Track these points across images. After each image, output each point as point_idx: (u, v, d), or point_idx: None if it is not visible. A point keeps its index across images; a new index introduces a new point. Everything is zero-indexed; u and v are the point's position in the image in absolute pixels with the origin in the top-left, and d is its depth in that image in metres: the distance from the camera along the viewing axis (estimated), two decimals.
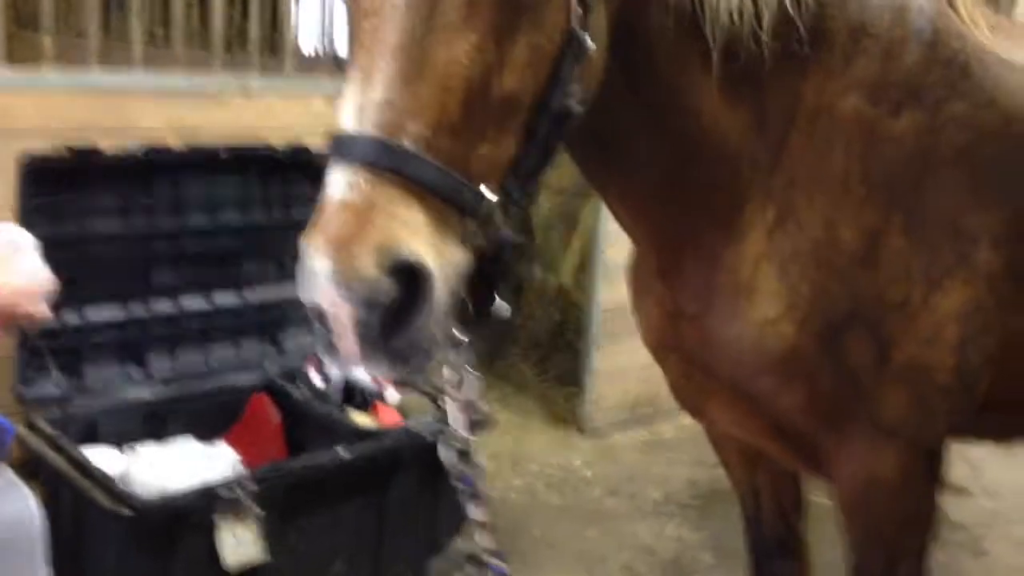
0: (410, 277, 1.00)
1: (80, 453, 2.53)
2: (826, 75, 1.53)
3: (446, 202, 1.02)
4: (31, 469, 2.56)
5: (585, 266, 5.09)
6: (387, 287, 0.99)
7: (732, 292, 1.58)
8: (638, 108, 1.44)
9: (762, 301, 1.56)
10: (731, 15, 1.39)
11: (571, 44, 1.10)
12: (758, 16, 1.41)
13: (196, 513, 2.36)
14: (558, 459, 4.03)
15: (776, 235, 1.55)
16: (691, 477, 3.95)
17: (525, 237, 1.13)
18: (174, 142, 3.02)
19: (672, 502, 3.75)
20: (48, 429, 2.64)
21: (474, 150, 1.04)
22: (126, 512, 2.33)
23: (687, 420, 4.34)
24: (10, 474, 2.40)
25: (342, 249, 0.97)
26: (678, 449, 4.20)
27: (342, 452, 2.58)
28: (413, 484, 2.70)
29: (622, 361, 4.28)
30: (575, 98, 1.13)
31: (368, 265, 0.98)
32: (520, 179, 1.10)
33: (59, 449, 2.60)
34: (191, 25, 4.11)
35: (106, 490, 2.38)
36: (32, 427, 2.67)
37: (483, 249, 1.07)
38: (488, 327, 1.12)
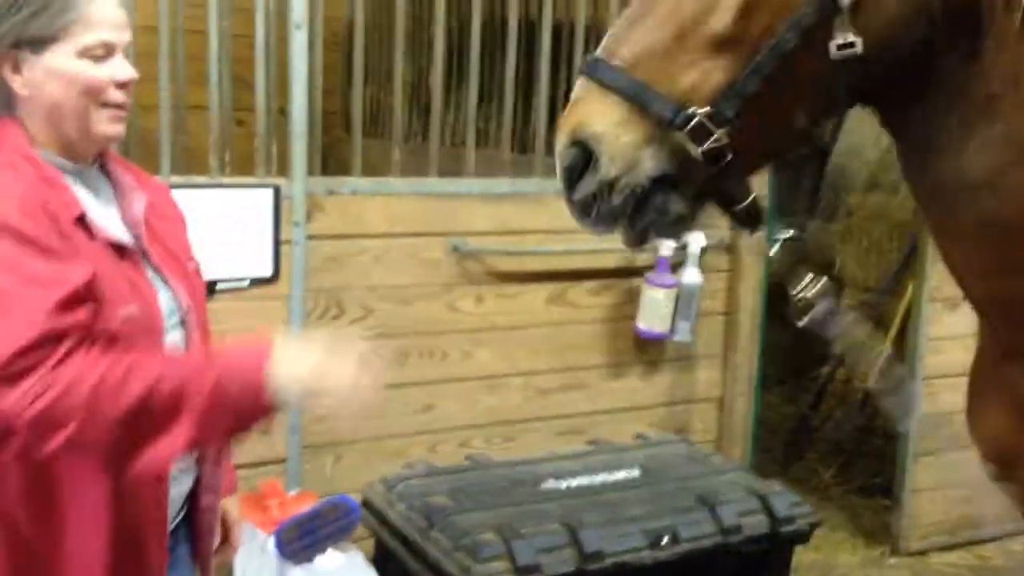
0: (584, 147, 1.31)
1: (408, 531, 2.68)
2: None
3: (635, 105, 1.27)
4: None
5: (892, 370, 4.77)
6: (566, 155, 1.33)
7: None
8: (983, 102, 1.32)
9: None
10: None
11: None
12: None
13: None
14: None
15: None
16: None
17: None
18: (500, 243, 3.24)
19: None
20: (381, 507, 2.84)
21: (676, 73, 1.27)
22: None
23: (1017, 545, 3.95)
24: (359, 557, 2.59)
25: (558, 133, 1.35)
26: None
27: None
28: None
29: (943, 476, 3.93)
30: (852, 43, 1.26)
31: (562, 142, 1.34)
32: (733, 100, 1.27)
33: (390, 528, 2.78)
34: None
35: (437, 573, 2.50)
36: (367, 504, 2.88)
37: (701, 159, 1.29)
38: (748, 225, 1.41)
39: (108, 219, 1.60)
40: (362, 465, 3.16)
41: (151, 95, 2.83)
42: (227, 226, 2.86)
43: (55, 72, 1.52)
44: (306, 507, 2.65)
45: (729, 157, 1.28)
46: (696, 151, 1.28)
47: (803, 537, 2.83)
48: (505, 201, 3.32)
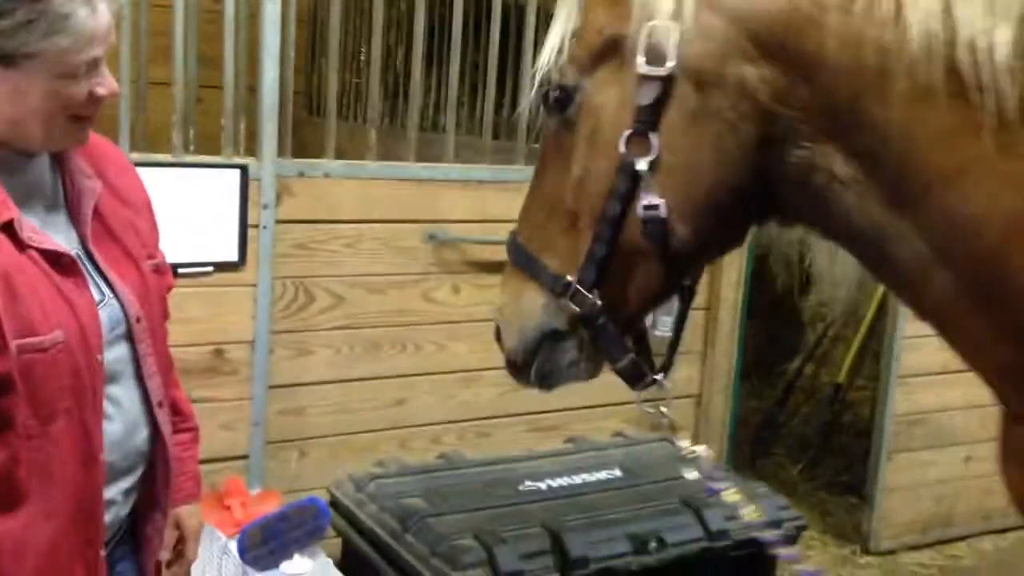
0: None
1: (380, 534, 2.55)
2: None
3: (530, 275, 1.45)
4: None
5: (861, 365, 4.74)
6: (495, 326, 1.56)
7: None
8: (908, 219, 1.22)
9: None
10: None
11: (623, 168, 1.32)
12: None
13: None
14: None
15: None
16: None
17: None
18: (479, 231, 3.11)
19: None
20: (350, 507, 2.69)
21: (554, 244, 1.43)
22: None
23: (988, 544, 3.96)
24: (329, 563, 2.45)
25: None
26: None
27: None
28: None
29: (914, 476, 3.91)
30: (655, 205, 1.32)
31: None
32: (591, 267, 1.39)
33: (360, 530, 2.64)
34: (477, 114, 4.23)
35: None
36: (335, 504, 2.73)
37: (578, 316, 1.42)
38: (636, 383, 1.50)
39: (49, 220, 1.42)
40: (329, 462, 3.01)
41: (111, 70, 2.62)
42: (190, 208, 2.68)
43: (26, 91, 1.31)
44: (271, 508, 2.50)
45: (602, 319, 1.40)
46: (576, 312, 1.41)
47: (790, 541, 2.75)
48: (485, 188, 3.18)
